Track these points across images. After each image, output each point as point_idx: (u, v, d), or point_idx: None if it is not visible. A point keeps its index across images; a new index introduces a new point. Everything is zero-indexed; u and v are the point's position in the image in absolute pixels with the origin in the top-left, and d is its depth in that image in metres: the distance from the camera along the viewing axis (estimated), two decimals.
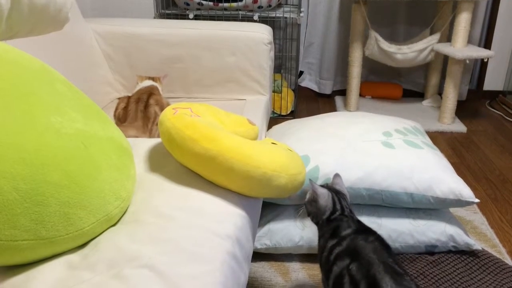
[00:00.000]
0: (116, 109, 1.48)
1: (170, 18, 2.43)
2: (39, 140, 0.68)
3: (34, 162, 0.65)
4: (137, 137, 1.38)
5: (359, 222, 1.06)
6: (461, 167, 2.04)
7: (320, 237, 1.06)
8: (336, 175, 1.17)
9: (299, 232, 1.35)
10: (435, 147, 1.49)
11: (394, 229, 1.34)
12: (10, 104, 0.68)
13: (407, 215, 1.36)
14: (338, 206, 1.07)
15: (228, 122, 1.06)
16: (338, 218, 1.05)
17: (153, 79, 1.64)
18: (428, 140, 1.53)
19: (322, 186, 1.11)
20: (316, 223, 1.10)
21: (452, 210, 1.65)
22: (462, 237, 1.35)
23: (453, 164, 2.08)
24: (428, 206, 1.34)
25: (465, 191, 1.31)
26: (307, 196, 1.12)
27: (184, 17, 2.41)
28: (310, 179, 1.13)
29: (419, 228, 1.34)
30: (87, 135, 0.77)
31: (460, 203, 1.31)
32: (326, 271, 0.97)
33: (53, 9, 0.98)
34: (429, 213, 1.37)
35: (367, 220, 1.35)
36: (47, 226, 0.65)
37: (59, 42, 1.50)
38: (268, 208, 1.44)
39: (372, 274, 0.86)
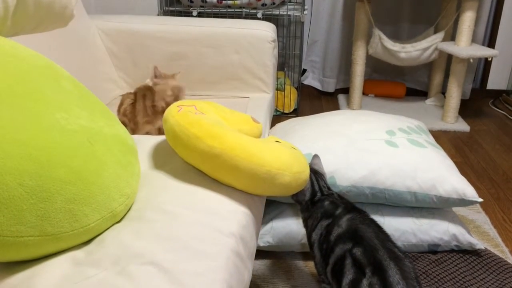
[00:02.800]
0: (121, 104, 1.48)
1: (173, 15, 2.43)
2: (45, 137, 0.68)
3: (40, 158, 0.65)
4: (150, 133, 1.38)
5: (340, 197, 1.11)
6: (464, 167, 2.04)
7: (307, 217, 1.10)
8: (315, 156, 1.21)
9: (301, 230, 1.35)
10: (438, 146, 1.49)
11: (397, 228, 1.34)
12: (16, 101, 0.68)
13: (410, 214, 1.36)
14: (316, 187, 1.11)
15: (232, 120, 1.06)
16: (322, 199, 1.09)
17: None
18: (431, 139, 1.53)
19: None
20: (297, 202, 1.13)
21: (455, 209, 1.65)
22: (465, 237, 1.35)
23: (456, 163, 2.07)
24: (431, 205, 1.33)
25: (469, 191, 1.31)
26: None
27: (188, 14, 2.41)
28: None
29: (422, 227, 1.34)
30: (93, 132, 0.77)
31: (464, 202, 1.31)
32: (325, 250, 0.99)
33: (58, 6, 0.98)
34: (432, 212, 1.37)
35: None
36: (52, 222, 0.65)
37: (63, 39, 1.50)
38: (271, 206, 1.44)
39: (378, 260, 0.89)
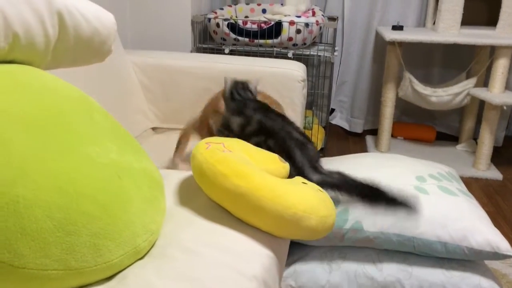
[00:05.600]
0: None
1: (206, 52, 2.48)
2: (76, 169, 0.69)
3: (69, 191, 0.66)
4: None
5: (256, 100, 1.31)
6: (497, 217, 1.96)
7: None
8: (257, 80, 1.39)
9: (326, 275, 1.31)
10: (470, 194, 1.44)
11: (425, 279, 1.28)
12: (49, 132, 0.69)
13: (440, 264, 1.31)
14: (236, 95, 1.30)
15: (259, 159, 1.05)
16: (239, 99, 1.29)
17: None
18: (463, 187, 1.48)
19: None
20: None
21: (486, 262, 1.58)
22: None
23: (489, 213, 2.00)
24: (462, 257, 1.28)
25: (503, 244, 1.25)
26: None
27: (220, 51, 2.46)
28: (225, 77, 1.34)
29: (452, 279, 1.28)
30: (121, 166, 0.78)
31: (497, 256, 1.25)
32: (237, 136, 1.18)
33: (97, 41, 1.01)
34: (463, 264, 1.31)
35: (397, 268, 1.30)
36: (76, 256, 0.65)
37: (98, 71, 1.55)
38: (295, 248, 1.41)
39: (287, 147, 1.15)
